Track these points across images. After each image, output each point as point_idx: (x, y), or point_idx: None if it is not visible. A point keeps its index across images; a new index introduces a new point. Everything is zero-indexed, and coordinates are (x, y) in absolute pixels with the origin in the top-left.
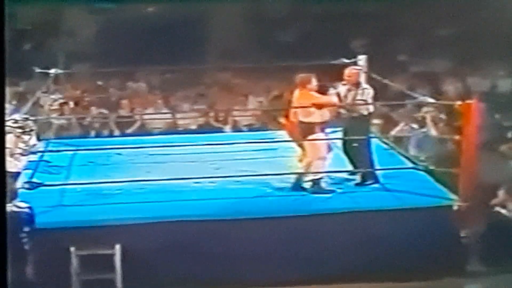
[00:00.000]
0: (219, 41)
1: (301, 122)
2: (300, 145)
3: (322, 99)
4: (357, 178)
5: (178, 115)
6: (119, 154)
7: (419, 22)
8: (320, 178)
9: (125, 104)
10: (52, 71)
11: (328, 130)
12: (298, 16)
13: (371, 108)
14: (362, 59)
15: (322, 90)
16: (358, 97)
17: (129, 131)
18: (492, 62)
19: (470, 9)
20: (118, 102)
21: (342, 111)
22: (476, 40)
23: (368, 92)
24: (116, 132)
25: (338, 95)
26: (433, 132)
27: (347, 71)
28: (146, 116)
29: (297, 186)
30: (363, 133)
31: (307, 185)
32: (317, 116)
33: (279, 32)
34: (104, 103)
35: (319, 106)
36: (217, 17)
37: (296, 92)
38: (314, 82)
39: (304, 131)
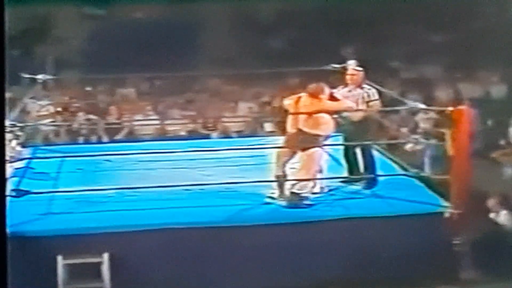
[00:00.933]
0: (209, 47)
1: (305, 133)
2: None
3: (339, 105)
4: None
5: (168, 121)
6: (108, 160)
7: (411, 28)
8: (305, 193)
9: (114, 110)
10: (40, 76)
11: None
12: (288, 22)
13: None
14: (352, 64)
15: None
16: (365, 98)
17: (118, 137)
18: (484, 68)
19: (462, 15)
20: (107, 108)
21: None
22: (468, 46)
23: (373, 92)
24: (105, 139)
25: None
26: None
27: (349, 71)
28: (135, 122)
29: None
30: (365, 136)
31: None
32: (324, 128)
33: (269, 38)
34: (93, 109)
35: (332, 113)
36: (207, 23)
37: (305, 100)
38: (326, 91)
39: (306, 142)
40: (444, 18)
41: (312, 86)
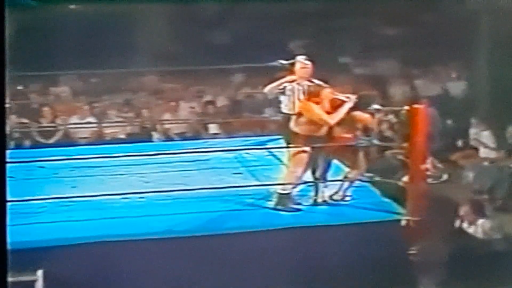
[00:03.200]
0: (149, 43)
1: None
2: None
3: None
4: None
5: (105, 123)
6: (41, 167)
7: (363, 21)
8: (290, 193)
9: (47, 111)
10: None
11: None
12: (231, 16)
13: None
14: (301, 59)
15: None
16: None
17: (52, 141)
18: (442, 64)
19: (418, 7)
20: (40, 109)
21: None
22: (426, 41)
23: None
24: (38, 143)
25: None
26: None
27: (299, 65)
28: (70, 125)
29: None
30: None
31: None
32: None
33: (212, 32)
34: (25, 110)
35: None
36: (146, 18)
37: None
38: (325, 95)
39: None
40: (399, 10)
41: (310, 86)
